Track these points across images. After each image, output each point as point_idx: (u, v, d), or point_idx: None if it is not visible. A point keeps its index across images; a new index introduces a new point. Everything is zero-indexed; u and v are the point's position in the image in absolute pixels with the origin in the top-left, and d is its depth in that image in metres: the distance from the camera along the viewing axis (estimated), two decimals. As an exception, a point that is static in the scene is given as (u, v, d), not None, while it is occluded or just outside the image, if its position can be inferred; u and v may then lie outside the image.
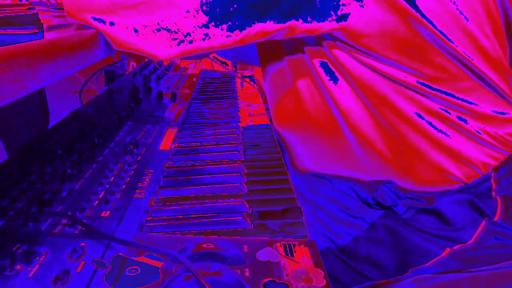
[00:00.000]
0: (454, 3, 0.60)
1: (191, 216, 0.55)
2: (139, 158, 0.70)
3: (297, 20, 0.60)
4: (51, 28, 0.61)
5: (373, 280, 0.70)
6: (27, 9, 0.61)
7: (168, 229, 0.52)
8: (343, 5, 0.59)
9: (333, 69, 0.71)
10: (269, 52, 0.84)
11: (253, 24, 0.60)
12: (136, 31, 0.61)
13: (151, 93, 1.12)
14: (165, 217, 0.54)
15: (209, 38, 0.61)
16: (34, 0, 0.93)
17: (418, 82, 0.65)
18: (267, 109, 1.02)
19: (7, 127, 1.20)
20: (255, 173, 0.68)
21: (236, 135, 0.84)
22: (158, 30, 0.61)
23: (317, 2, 0.59)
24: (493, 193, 0.68)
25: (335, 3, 0.60)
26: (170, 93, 1.09)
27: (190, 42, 0.61)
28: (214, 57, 1.62)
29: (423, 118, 0.67)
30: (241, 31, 0.61)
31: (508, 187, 0.68)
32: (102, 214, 0.52)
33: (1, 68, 0.38)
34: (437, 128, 0.67)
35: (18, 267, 0.42)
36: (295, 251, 0.45)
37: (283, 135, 0.86)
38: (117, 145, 0.75)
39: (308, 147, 0.82)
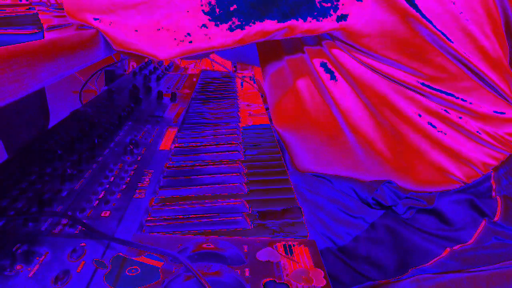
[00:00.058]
0: (454, 3, 0.60)
1: (191, 216, 0.55)
2: (139, 158, 0.70)
3: (297, 20, 0.60)
4: (51, 28, 0.61)
5: (373, 280, 0.70)
6: (27, 9, 0.61)
7: (168, 229, 0.52)
8: (342, 5, 0.59)
9: (333, 69, 0.71)
10: (269, 52, 0.84)
11: (253, 24, 0.60)
12: (136, 31, 0.61)
13: (151, 93, 1.12)
14: (165, 217, 0.54)
15: (209, 38, 0.61)
16: (34, 0, 0.93)
17: (418, 82, 0.65)
18: (267, 109, 1.02)
19: (7, 127, 1.20)
20: (255, 173, 0.68)
21: (236, 135, 0.84)
22: (158, 30, 0.61)
23: (316, 2, 0.59)
24: (493, 193, 0.68)
25: (334, 3, 0.60)
26: (170, 93, 1.09)
27: (190, 42, 0.61)
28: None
29: (423, 118, 0.67)
30: (241, 31, 0.61)
31: (508, 187, 0.68)
32: (102, 214, 0.52)
33: (1, 68, 0.38)
34: (437, 128, 0.67)
35: (18, 267, 0.42)
36: (295, 251, 0.45)
37: (283, 135, 0.86)
38: (117, 145, 0.75)
39: (308, 147, 0.82)
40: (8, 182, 0.59)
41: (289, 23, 0.61)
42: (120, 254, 0.44)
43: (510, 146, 0.68)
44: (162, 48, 0.62)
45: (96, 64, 0.77)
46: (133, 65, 1.69)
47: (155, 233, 0.51)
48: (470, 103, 0.66)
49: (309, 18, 0.60)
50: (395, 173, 0.72)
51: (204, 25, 0.60)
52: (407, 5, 0.58)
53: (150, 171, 0.65)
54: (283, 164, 0.71)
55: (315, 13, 0.60)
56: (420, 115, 0.67)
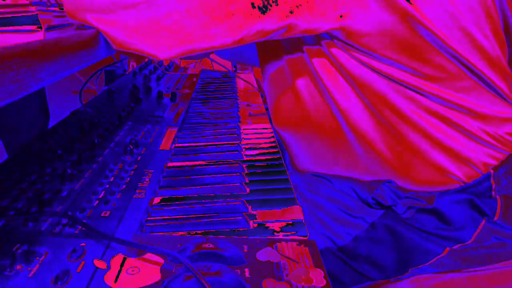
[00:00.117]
0: (453, 3, 0.60)
1: (191, 216, 0.55)
2: (139, 158, 0.70)
3: (297, 19, 0.61)
4: (51, 28, 0.61)
5: (373, 280, 0.70)
6: (27, 9, 0.61)
7: (168, 229, 0.52)
8: (342, 4, 0.59)
9: (333, 69, 0.71)
10: (269, 51, 0.84)
11: (252, 24, 0.60)
12: (136, 31, 0.61)
13: (151, 93, 1.12)
14: (165, 217, 0.55)
15: (209, 38, 0.61)
16: (34, 0, 0.93)
17: (417, 81, 0.65)
18: (267, 109, 1.02)
19: (7, 127, 1.20)
20: (255, 173, 0.68)
21: (236, 135, 0.84)
22: (158, 30, 0.61)
23: (316, 1, 0.59)
24: (493, 193, 0.68)
25: (334, 2, 0.60)
26: (170, 93, 1.09)
27: (190, 42, 0.61)
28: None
29: (423, 118, 0.67)
30: (241, 30, 0.61)
31: (508, 186, 0.68)
32: (102, 214, 0.52)
33: (1, 68, 0.38)
34: (437, 128, 0.67)
35: (18, 267, 0.42)
36: (295, 251, 0.45)
37: (282, 135, 0.86)
38: (117, 145, 0.75)
39: (308, 147, 0.82)
40: (8, 182, 0.59)
41: (288, 22, 0.61)
42: (120, 254, 0.44)
43: (510, 146, 0.68)
44: (162, 48, 0.62)
45: (96, 64, 0.77)
46: (133, 65, 1.69)
47: (155, 233, 0.51)
48: (470, 103, 0.66)
49: (308, 18, 0.60)
50: (395, 172, 0.72)
51: (204, 25, 0.60)
52: (407, 5, 0.58)
53: (150, 171, 0.65)
54: (283, 164, 0.71)
55: (315, 13, 0.60)
56: (420, 115, 0.67)
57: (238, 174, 0.66)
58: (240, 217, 0.54)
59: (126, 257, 0.44)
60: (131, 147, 0.71)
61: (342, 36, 0.64)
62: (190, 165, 0.70)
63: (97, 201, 0.56)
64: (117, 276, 0.41)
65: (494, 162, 0.68)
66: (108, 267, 0.42)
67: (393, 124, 0.68)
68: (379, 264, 0.69)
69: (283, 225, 0.53)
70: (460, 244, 0.66)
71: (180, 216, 0.55)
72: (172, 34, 0.61)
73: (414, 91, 0.66)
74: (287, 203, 0.58)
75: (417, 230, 0.68)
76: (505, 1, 0.65)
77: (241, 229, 0.52)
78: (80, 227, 0.49)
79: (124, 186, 0.60)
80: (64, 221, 0.50)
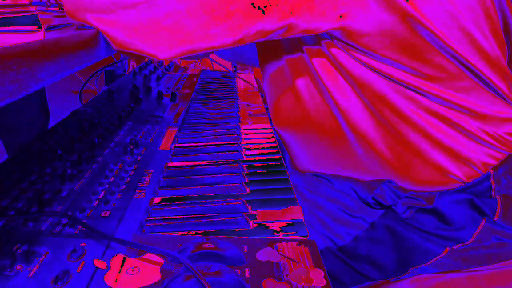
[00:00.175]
0: (452, 2, 0.60)
1: (191, 216, 0.55)
2: (139, 158, 0.70)
3: (297, 19, 0.61)
4: (51, 28, 0.61)
5: (373, 280, 0.70)
6: (27, 9, 0.61)
7: (168, 229, 0.52)
8: (342, 4, 0.59)
9: (332, 69, 0.71)
10: (268, 51, 0.84)
11: (252, 24, 0.60)
12: (136, 31, 0.61)
13: (151, 93, 1.12)
14: (165, 217, 0.55)
15: (209, 38, 0.61)
16: (34, 0, 0.93)
17: (417, 81, 0.65)
18: (267, 109, 1.02)
19: (7, 127, 1.20)
20: (255, 173, 0.68)
21: (236, 135, 0.84)
22: (158, 30, 0.61)
23: (316, 1, 0.59)
24: (493, 193, 0.68)
25: (334, 2, 0.60)
26: (170, 93, 1.09)
27: (190, 42, 0.61)
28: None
29: (423, 118, 0.67)
30: (241, 30, 0.61)
31: (508, 186, 0.68)
32: (102, 214, 0.52)
33: (1, 68, 0.38)
34: (437, 128, 0.67)
35: (18, 267, 0.42)
36: (295, 251, 0.45)
37: (282, 135, 0.86)
38: (117, 145, 0.75)
39: (307, 147, 0.82)
40: (8, 182, 0.59)
41: (288, 22, 0.61)
42: (120, 254, 0.44)
43: (509, 146, 0.68)
44: (162, 48, 0.62)
45: (96, 64, 0.77)
46: (133, 65, 1.69)
47: (155, 233, 0.51)
48: (470, 103, 0.66)
49: (308, 18, 0.60)
50: (395, 172, 0.72)
51: (204, 25, 0.60)
52: (406, 5, 0.58)
53: (150, 171, 0.65)
54: (283, 164, 0.71)
55: (315, 12, 0.60)
56: (420, 115, 0.67)
57: (238, 174, 0.66)
58: (240, 217, 0.54)
59: (126, 257, 0.44)
60: (131, 147, 0.71)
61: (342, 36, 0.64)
62: (190, 165, 0.70)
63: (97, 201, 0.56)
64: (117, 276, 0.41)
65: (494, 162, 0.68)
66: (108, 267, 0.42)
67: (393, 124, 0.68)
68: (379, 264, 0.69)
69: (283, 225, 0.53)
70: (460, 244, 0.66)
71: (180, 216, 0.55)
72: (172, 34, 0.61)
73: (414, 91, 0.66)
74: (287, 203, 0.58)
75: (417, 230, 0.68)
76: (504, 2, 0.65)
77: (241, 229, 0.52)
78: (80, 227, 0.49)
79: (124, 186, 0.60)
80: (64, 221, 0.50)
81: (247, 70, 1.67)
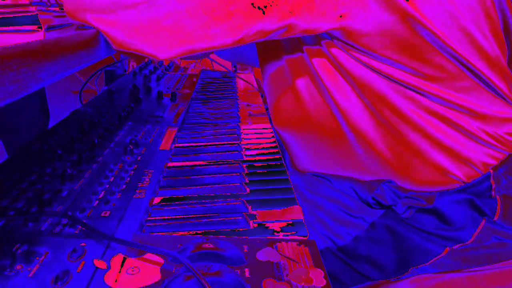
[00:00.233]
0: (452, 2, 0.60)
1: (191, 216, 0.55)
2: (139, 158, 0.70)
3: (297, 19, 0.60)
4: (51, 28, 0.61)
5: (373, 280, 0.70)
6: (27, 9, 0.61)
7: (168, 229, 0.52)
8: (342, 4, 0.59)
9: (332, 69, 0.71)
10: (268, 51, 0.84)
11: (252, 24, 0.60)
12: (136, 31, 0.61)
13: (151, 93, 1.12)
14: (165, 217, 0.55)
15: (209, 38, 0.61)
16: (34, 0, 0.93)
17: (417, 81, 0.65)
18: (267, 109, 1.02)
19: (7, 127, 1.20)
20: (255, 173, 0.68)
21: (236, 135, 0.84)
22: (158, 30, 0.61)
23: (316, 1, 0.59)
24: (493, 193, 0.68)
25: (334, 2, 0.60)
26: (170, 93, 1.09)
27: (190, 42, 0.61)
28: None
29: (423, 118, 0.67)
30: (241, 30, 0.61)
31: (508, 186, 0.68)
32: (102, 214, 0.52)
33: (1, 68, 0.38)
34: (437, 128, 0.67)
35: (18, 267, 0.42)
36: (295, 251, 0.45)
37: (282, 135, 0.86)
38: (117, 145, 0.75)
39: (307, 147, 0.82)
40: (8, 182, 0.59)
41: (288, 22, 0.61)
42: (120, 254, 0.44)
43: (509, 146, 0.68)
44: (162, 48, 0.62)
45: (96, 64, 0.77)
46: (133, 65, 1.69)
47: (155, 233, 0.51)
48: (469, 103, 0.66)
49: (308, 18, 0.60)
50: (395, 172, 0.72)
51: (204, 25, 0.60)
52: (406, 5, 0.58)
53: (150, 171, 0.65)
54: (283, 164, 0.71)
55: (315, 12, 0.60)
56: (420, 115, 0.67)
57: (238, 174, 0.66)
58: (240, 217, 0.54)
59: (126, 257, 0.44)
60: (131, 147, 0.71)
61: (342, 36, 0.64)
62: (190, 165, 0.70)
63: (97, 201, 0.56)
64: (117, 276, 0.41)
65: (494, 162, 0.68)
66: (108, 267, 0.42)
67: (393, 124, 0.69)
68: (379, 264, 0.69)
69: (283, 225, 0.53)
70: (460, 244, 0.66)
71: (180, 216, 0.55)
72: (172, 34, 0.61)
73: (414, 91, 0.66)
74: (287, 203, 0.58)
75: (417, 230, 0.68)
76: (504, 2, 0.65)
77: (241, 229, 0.52)
78: (80, 227, 0.49)
79: (124, 186, 0.60)
80: (64, 221, 0.50)
81: (247, 70, 1.67)
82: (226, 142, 0.80)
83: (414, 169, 0.70)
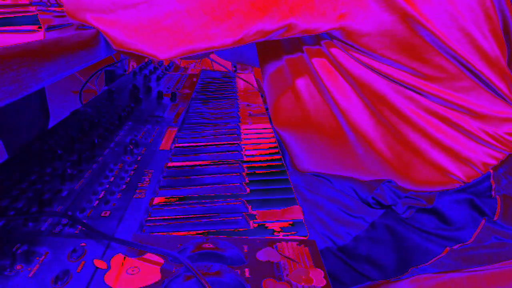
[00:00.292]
0: (452, 2, 0.60)
1: (191, 216, 0.55)
2: (139, 158, 0.70)
3: (297, 19, 0.61)
4: (51, 28, 0.61)
5: (373, 280, 0.70)
6: (27, 9, 0.61)
7: (168, 229, 0.52)
8: (342, 4, 0.59)
9: (332, 69, 0.71)
10: (268, 51, 0.84)
11: (252, 24, 0.60)
12: (136, 31, 0.61)
13: (151, 93, 1.12)
14: (165, 217, 0.55)
15: (209, 38, 0.61)
16: (34, 0, 0.93)
17: (417, 81, 0.65)
18: (267, 109, 1.02)
19: (7, 127, 1.20)
20: (255, 173, 0.68)
21: (236, 135, 0.84)
22: (158, 30, 0.61)
23: (316, 1, 0.59)
24: (493, 193, 0.68)
25: (334, 2, 0.60)
26: (170, 93, 1.09)
27: (190, 42, 0.61)
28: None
29: (422, 118, 0.67)
30: (241, 30, 0.61)
31: (508, 186, 0.68)
32: (102, 214, 0.52)
33: (1, 68, 0.38)
34: (437, 128, 0.67)
35: (18, 267, 0.42)
36: (295, 251, 0.45)
37: (282, 135, 0.87)
38: (117, 145, 0.75)
39: (307, 147, 0.82)
40: (8, 182, 0.59)
41: (288, 22, 0.61)
42: (120, 254, 0.44)
43: (509, 146, 0.68)
44: (162, 48, 0.62)
45: (96, 64, 0.77)
46: (133, 65, 1.69)
47: (155, 233, 0.51)
48: (469, 103, 0.66)
49: (308, 18, 0.60)
50: (395, 172, 0.72)
51: (204, 25, 0.60)
52: (406, 5, 0.58)
53: (150, 171, 0.65)
54: (283, 164, 0.71)
55: (315, 13, 0.60)
56: (419, 115, 0.67)
57: (238, 174, 0.66)
58: (240, 217, 0.54)
59: (126, 257, 0.44)
60: (131, 147, 0.71)
61: (341, 36, 0.64)
62: (190, 165, 0.70)
63: (97, 201, 0.56)
64: (117, 276, 0.41)
65: (494, 162, 0.68)
66: (108, 267, 0.42)
67: (393, 124, 0.69)
68: (379, 264, 0.69)
69: (283, 225, 0.53)
70: (460, 244, 0.66)
71: (180, 216, 0.55)
72: (172, 34, 0.61)
73: (413, 91, 0.66)
74: (287, 203, 0.58)
75: (417, 230, 0.68)
76: (504, 2, 0.65)
77: (241, 229, 0.52)
78: (80, 227, 0.49)
79: (124, 186, 0.60)
80: (64, 221, 0.50)
81: (247, 70, 1.67)
82: (226, 142, 0.80)
83: (414, 169, 0.70)
